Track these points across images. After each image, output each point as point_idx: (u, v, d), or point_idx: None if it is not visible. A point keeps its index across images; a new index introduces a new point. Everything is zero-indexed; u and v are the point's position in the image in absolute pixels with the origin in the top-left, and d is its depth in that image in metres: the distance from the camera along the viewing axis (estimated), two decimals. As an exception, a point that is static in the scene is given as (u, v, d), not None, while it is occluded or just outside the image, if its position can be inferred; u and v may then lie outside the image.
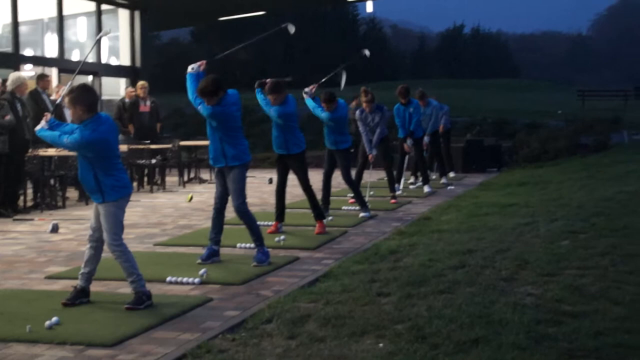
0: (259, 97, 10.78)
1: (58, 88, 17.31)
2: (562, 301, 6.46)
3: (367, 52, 14.37)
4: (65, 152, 14.66)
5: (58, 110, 16.45)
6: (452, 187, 17.21)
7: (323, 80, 12.83)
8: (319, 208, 11.19)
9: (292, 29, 10.90)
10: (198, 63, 9.06)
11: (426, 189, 16.22)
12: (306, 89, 12.22)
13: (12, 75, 13.95)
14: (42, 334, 5.96)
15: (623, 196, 12.52)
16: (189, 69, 9.01)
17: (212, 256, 8.81)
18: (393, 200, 14.36)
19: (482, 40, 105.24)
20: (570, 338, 5.50)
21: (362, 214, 12.50)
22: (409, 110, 15.76)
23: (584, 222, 10.32)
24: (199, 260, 8.68)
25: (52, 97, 16.12)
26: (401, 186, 16.23)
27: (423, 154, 16.77)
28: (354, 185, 12.84)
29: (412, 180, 17.63)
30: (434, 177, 18.39)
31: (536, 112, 31.41)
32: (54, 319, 6.17)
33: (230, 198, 8.91)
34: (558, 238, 9.33)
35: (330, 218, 11.90)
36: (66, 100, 6.78)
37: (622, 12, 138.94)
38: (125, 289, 7.14)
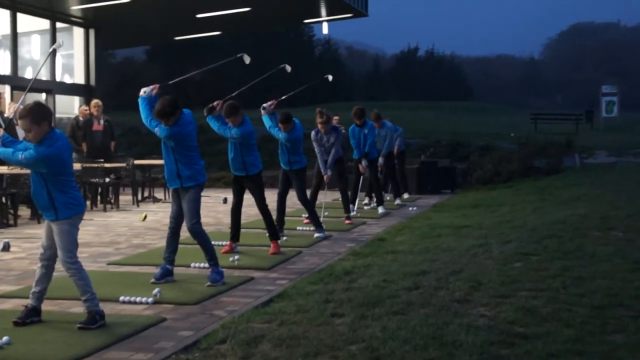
0: (212, 123, 10.67)
1: (10, 105, 17.20)
2: (515, 323, 6.51)
3: (330, 77, 14.51)
4: (17, 170, 14.52)
5: (10, 127, 16.32)
6: (414, 209, 17.26)
7: (283, 97, 12.82)
8: (274, 227, 11.19)
9: (247, 59, 10.87)
10: (151, 87, 8.97)
11: (380, 210, 16.28)
12: (265, 105, 12.19)
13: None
14: (-8, 354, 5.89)
15: (575, 219, 12.66)
16: (142, 92, 8.93)
17: (165, 275, 8.76)
18: (348, 221, 14.39)
19: (436, 63, 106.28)
20: (522, 359, 5.55)
21: (316, 235, 12.51)
22: (364, 132, 15.81)
23: (536, 244, 10.42)
24: (153, 280, 8.63)
25: (5, 115, 16.03)
26: (356, 207, 16.27)
27: (378, 175, 16.84)
28: (309, 205, 12.87)
29: (366, 201, 17.67)
30: (388, 198, 18.45)
31: (490, 134, 31.72)
32: (5, 338, 6.08)
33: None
34: (511, 260, 9.41)
35: (284, 238, 11.90)
36: (25, 119, 6.66)
37: (573, 36, 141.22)
38: (78, 308, 7.08)
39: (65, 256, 6.74)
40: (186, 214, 8.80)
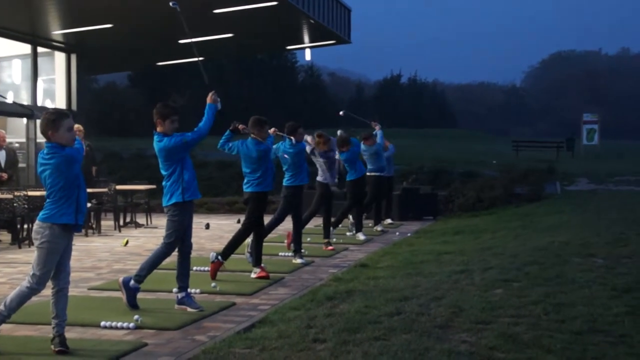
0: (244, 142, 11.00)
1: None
2: (496, 349, 6.53)
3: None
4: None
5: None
6: (397, 234, 17.40)
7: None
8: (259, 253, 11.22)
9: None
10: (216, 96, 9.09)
11: (360, 236, 16.31)
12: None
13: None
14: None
15: (556, 246, 12.72)
16: (216, 101, 9.04)
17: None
18: (330, 247, 14.41)
19: (419, 90, 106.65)
20: (503, 385, 5.58)
21: (298, 260, 12.52)
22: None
23: (517, 270, 10.46)
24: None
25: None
26: (379, 227, 17.83)
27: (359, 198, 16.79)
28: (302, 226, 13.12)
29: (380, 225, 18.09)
30: (370, 224, 18.50)
31: (472, 161, 31.84)
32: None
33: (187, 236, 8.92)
34: (492, 286, 9.45)
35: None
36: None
37: (554, 65, 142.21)
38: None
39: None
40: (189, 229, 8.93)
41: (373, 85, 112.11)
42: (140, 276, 8.77)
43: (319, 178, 14.65)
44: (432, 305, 8.35)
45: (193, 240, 9.09)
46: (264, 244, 11.54)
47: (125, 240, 15.29)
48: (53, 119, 6.69)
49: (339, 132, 16.55)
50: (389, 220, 19.84)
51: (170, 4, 9.75)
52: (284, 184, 12.51)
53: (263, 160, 10.93)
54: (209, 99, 9.01)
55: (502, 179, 25.76)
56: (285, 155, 12.45)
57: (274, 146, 11.91)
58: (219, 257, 10.95)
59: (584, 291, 8.90)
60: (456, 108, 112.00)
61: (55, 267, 6.74)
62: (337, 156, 15.55)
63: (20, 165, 19.02)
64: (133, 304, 8.60)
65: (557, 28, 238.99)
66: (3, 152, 16.55)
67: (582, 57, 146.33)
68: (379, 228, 18.22)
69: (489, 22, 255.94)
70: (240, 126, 10.65)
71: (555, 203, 21.90)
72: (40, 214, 6.77)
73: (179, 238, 8.77)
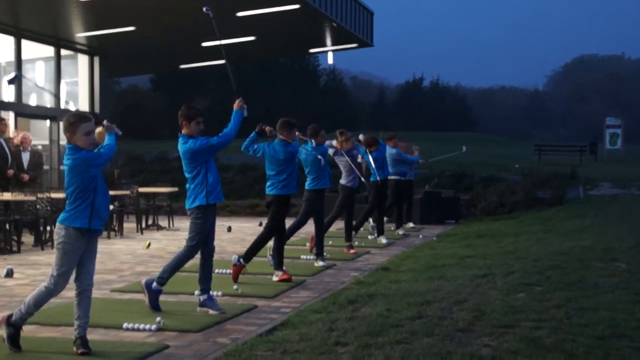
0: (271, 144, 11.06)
1: (17, 133, 17.26)
2: (518, 353, 6.52)
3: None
4: (21, 197, 14.60)
5: (17, 155, 16.43)
6: (420, 237, 17.45)
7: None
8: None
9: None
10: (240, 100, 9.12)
11: (383, 239, 16.30)
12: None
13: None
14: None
15: (578, 250, 12.68)
16: (244, 108, 9.11)
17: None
18: (352, 251, 14.40)
19: (441, 93, 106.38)
20: (526, 389, 5.56)
21: (319, 263, 12.52)
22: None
23: (539, 275, 10.43)
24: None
25: (15, 142, 16.23)
26: (401, 231, 18.01)
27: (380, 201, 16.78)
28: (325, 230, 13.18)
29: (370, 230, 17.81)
30: (392, 228, 18.50)
31: (494, 165, 31.75)
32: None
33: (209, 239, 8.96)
34: (514, 290, 9.42)
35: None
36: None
37: (576, 69, 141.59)
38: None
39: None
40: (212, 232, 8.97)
41: (395, 89, 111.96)
42: (163, 278, 8.80)
43: (342, 181, 14.65)
44: (454, 309, 8.34)
45: (215, 243, 9.11)
46: (286, 247, 11.57)
47: (147, 243, 15.34)
48: (72, 122, 6.76)
49: (360, 135, 16.54)
50: (411, 224, 19.82)
51: (204, 9, 9.82)
52: (306, 187, 12.50)
53: (289, 162, 10.96)
54: (236, 106, 9.04)
55: (524, 183, 25.66)
56: (319, 156, 12.43)
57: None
58: (241, 260, 10.97)
59: (606, 296, 8.87)
60: (478, 112, 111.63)
61: (76, 268, 6.80)
62: (359, 159, 15.56)
63: (44, 167, 19.11)
64: (155, 306, 8.63)
65: (581, 32, 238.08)
66: (27, 154, 16.66)
67: (604, 61, 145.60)
68: (400, 232, 18.21)
69: (512, 26, 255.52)
70: (267, 128, 10.68)
71: (578, 207, 21.80)
72: (60, 215, 6.83)
73: (202, 241, 8.79)
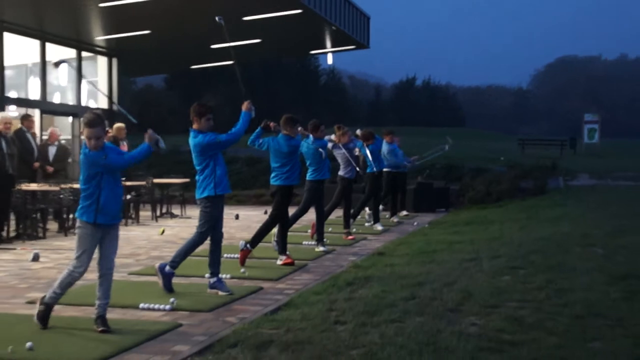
0: (275, 138, 11.02)
1: (51, 131, 17.19)
2: (503, 331, 6.53)
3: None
4: (46, 187, 14.62)
5: (43, 149, 16.44)
6: (415, 224, 17.43)
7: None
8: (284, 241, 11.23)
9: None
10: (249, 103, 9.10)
11: (378, 226, 16.31)
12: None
13: (-1, 115, 13.90)
14: (22, 354, 5.92)
15: (558, 236, 12.69)
16: (252, 110, 9.08)
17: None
18: (351, 237, 14.40)
19: (433, 92, 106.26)
20: (509, 364, 5.58)
21: (320, 249, 12.52)
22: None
23: (523, 259, 10.44)
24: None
25: (45, 137, 16.23)
26: (395, 219, 17.97)
27: (376, 191, 16.79)
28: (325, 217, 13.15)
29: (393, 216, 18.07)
30: (387, 216, 18.50)
31: (481, 158, 31.72)
32: (28, 344, 6.06)
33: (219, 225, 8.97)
34: (500, 273, 9.43)
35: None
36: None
37: (558, 69, 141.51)
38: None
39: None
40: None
41: (390, 88, 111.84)
42: (175, 262, 8.82)
43: (340, 172, 14.64)
44: (444, 290, 8.35)
45: (224, 230, 9.12)
46: (289, 233, 11.58)
47: (161, 230, 15.35)
48: (85, 122, 6.77)
49: (358, 130, 16.54)
50: (404, 212, 19.81)
51: (217, 18, 9.84)
52: (307, 178, 12.49)
53: (292, 155, 10.97)
54: (244, 107, 9.05)
55: (509, 174, 25.66)
56: (320, 150, 12.42)
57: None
58: (248, 245, 10.98)
59: (584, 278, 8.88)
60: (466, 109, 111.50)
61: (98, 253, 6.91)
62: (356, 152, 15.55)
63: (68, 160, 19.08)
64: (169, 288, 8.64)
65: (562, 35, 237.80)
66: (54, 148, 16.67)
67: (584, 62, 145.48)
68: (394, 219, 18.22)
69: (500, 27, 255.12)
70: (272, 124, 10.70)
71: (558, 197, 21.80)
72: None
73: (211, 228, 8.80)
